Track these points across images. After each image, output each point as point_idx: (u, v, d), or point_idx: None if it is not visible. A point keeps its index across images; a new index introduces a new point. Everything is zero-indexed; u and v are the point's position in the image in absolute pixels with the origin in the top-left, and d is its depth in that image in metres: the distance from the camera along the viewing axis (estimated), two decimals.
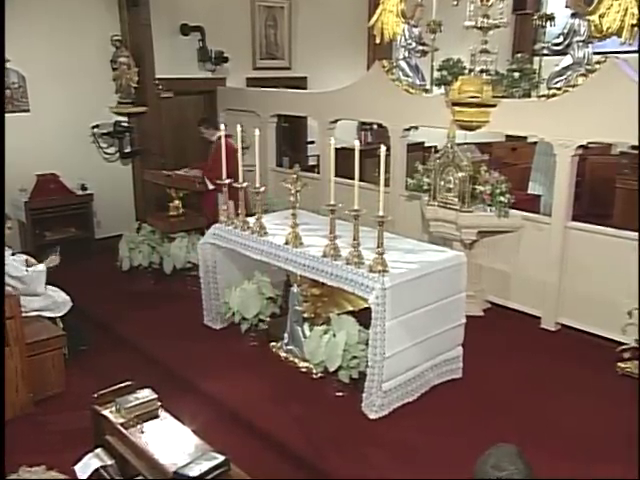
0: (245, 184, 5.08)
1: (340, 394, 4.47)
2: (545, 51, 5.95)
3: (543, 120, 5.45)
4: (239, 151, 5.25)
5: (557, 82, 5.58)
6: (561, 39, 5.66)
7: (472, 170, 5.57)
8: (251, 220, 5.12)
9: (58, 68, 7.49)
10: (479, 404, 4.42)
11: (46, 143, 7.48)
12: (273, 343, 5.21)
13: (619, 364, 4.82)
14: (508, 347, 5.30)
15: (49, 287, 5.10)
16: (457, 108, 5.83)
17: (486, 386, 4.65)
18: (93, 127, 7.91)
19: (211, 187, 6.71)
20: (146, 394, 3.39)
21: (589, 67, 5.35)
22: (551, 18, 5.92)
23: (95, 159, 8.06)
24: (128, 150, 8.23)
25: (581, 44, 5.52)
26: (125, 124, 8.09)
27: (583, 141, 5.28)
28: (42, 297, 5.01)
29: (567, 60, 5.61)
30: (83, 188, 7.69)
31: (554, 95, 5.43)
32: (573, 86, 5.32)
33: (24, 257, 5.24)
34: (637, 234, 4.99)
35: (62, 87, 7.56)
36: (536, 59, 6.29)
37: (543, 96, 5.59)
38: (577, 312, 5.47)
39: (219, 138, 6.81)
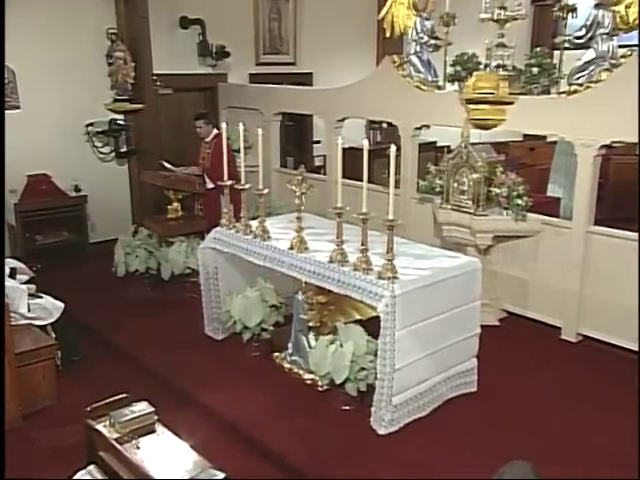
0: (247, 186, 5.10)
1: (347, 408, 4.46)
2: (566, 45, 5.92)
3: (563, 118, 5.43)
4: (242, 151, 5.26)
5: (579, 78, 5.57)
6: (583, 32, 5.64)
7: (487, 171, 5.56)
8: (254, 224, 5.14)
9: (50, 63, 7.54)
10: (494, 419, 4.40)
11: (37, 142, 7.52)
12: (276, 353, 5.21)
13: None
14: (525, 359, 5.28)
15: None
16: (472, 106, 5.82)
17: (502, 400, 4.64)
18: (87, 125, 7.96)
19: (210, 186, 6.73)
20: (142, 407, 3.40)
21: (613, 61, 5.35)
22: (573, 9, 5.89)
23: (89, 159, 8.11)
24: (124, 150, 8.27)
25: (605, 37, 5.49)
26: (121, 122, 8.13)
27: (606, 140, 5.26)
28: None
29: (590, 54, 5.59)
30: (77, 189, 7.72)
31: (575, 91, 5.42)
32: (596, 82, 5.31)
33: (12, 263, 5.25)
34: None
35: (54, 83, 7.62)
36: (556, 53, 6.27)
37: (564, 93, 5.58)
38: (600, 322, 5.44)
39: (216, 136, 6.87)
